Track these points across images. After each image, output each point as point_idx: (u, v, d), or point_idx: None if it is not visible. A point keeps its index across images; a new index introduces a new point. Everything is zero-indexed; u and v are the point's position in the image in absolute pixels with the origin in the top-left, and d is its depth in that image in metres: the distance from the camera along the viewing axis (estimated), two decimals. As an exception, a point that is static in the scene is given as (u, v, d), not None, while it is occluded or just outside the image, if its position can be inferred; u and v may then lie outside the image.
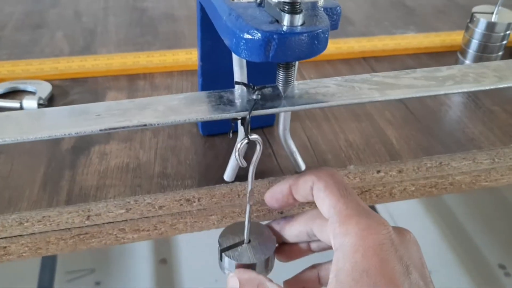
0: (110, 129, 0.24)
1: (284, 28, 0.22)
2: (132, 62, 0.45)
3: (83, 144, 0.36)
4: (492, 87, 0.27)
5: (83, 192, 0.32)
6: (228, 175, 0.33)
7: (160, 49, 0.48)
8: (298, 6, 0.22)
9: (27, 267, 1.16)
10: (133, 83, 0.43)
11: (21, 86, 0.41)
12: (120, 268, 1.23)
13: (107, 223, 0.33)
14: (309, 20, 0.23)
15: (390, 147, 0.36)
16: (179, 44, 0.49)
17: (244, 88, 0.27)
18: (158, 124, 0.24)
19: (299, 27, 0.23)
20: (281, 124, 0.32)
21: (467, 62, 0.46)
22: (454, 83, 0.27)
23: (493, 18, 0.43)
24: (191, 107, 0.26)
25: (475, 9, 0.45)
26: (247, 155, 0.29)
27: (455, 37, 0.49)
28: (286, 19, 0.23)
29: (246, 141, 0.27)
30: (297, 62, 0.26)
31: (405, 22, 0.54)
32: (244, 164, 0.28)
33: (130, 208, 0.32)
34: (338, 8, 0.26)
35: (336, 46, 0.48)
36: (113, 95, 0.41)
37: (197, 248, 1.30)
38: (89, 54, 0.46)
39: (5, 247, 0.32)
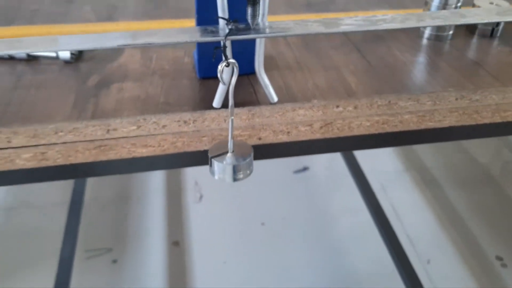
0: (124, 45, 0.33)
1: (249, -29, 0.32)
2: (146, 27, 0.54)
3: (104, 82, 0.45)
4: (411, 26, 0.35)
5: (104, 112, 0.41)
6: (216, 101, 0.42)
7: (170, 19, 0.57)
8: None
9: (49, 242, 1.27)
10: (146, 43, 0.53)
11: (57, 42, 0.51)
12: (135, 249, 1.33)
13: (122, 137, 0.42)
14: (269, -32, 0.33)
15: (349, 89, 0.45)
16: (186, 16, 0.59)
17: (225, 26, 0.36)
18: (159, 44, 0.34)
19: (260, -29, 0.32)
20: (256, 61, 0.41)
21: (427, 32, 0.54)
22: (384, 23, 0.36)
23: (446, -7, 0.52)
24: (183, 34, 0.35)
25: (431, -14, 0.53)
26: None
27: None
28: (251, -35, 0.32)
29: (225, 63, 0.36)
30: (261, 0, 0.35)
31: (381, 1, 0.63)
32: (226, 83, 0.37)
33: (140, 126, 0.41)
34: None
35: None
36: (129, 51, 0.51)
37: (207, 232, 1.39)
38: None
39: (43, 152, 0.41)
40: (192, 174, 1.63)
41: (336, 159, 1.72)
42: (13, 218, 1.44)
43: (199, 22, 0.43)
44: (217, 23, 0.37)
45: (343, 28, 0.35)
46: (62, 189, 1.53)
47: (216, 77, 0.46)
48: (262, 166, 1.69)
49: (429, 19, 0.36)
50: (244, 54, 0.44)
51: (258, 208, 1.53)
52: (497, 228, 1.45)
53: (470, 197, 1.57)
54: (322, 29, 0.35)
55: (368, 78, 0.47)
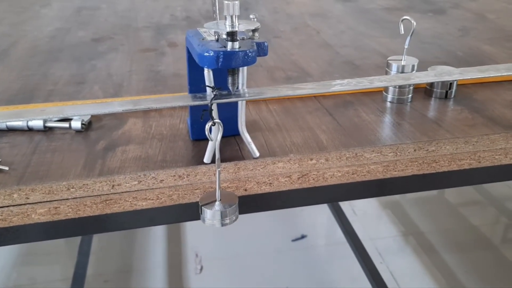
0: (127, 110, 0.41)
1: (228, 49, 0.40)
2: (147, 101, 0.63)
3: (110, 146, 0.53)
4: (363, 88, 0.43)
5: (110, 170, 0.48)
6: (206, 157, 0.49)
7: (168, 93, 0.66)
8: (235, 37, 0.40)
9: None
10: (147, 113, 0.61)
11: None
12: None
13: (125, 192, 0.48)
14: (244, 46, 0.41)
15: (321, 145, 0.52)
16: (182, 91, 0.67)
17: (211, 92, 0.44)
18: (156, 108, 0.41)
19: (236, 49, 0.40)
20: (239, 121, 0.48)
21: (390, 96, 0.62)
22: (341, 86, 0.44)
23: (402, 62, 0.61)
24: (177, 100, 0.43)
25: (389, 58, 0.62)
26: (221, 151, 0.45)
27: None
28: (229, 45, 0.40)
29: (211, 122, 0.43)
30: (240, 70, 0.43)
31: (351, 74, 0.72)
32: (212, 139, 0.44)
33: (141, 181, 0.48)
34: (265, 43, 0.44)
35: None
36: (132, 120, 0.59)
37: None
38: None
39: (56, 207, 0.48)
40: (192, 245, 1.66)
41: (332, 225, 1.76)
42: (15, 294, 1.45)
43: (191, 92, 0.51)
44: (205, 91, 0.45)
45: (305, 91, 0.43)
46: (64, 265, 1.55)
47: (206, 139, 0.53)
48: (260, 235, 1.72)
49: (377, 82, 0.44)
50: (230, 119, 0.52)
51: (258, 277, 1.54)
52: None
53: (467, 261, 1.59)
54: (289, 92, 0.43)
55: (337, 135, 0.54)
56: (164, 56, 0.83)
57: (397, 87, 0.61)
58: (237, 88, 0.44)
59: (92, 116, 0.59)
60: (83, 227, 0.52)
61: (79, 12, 1.15)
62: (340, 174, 0.52)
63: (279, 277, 1.55)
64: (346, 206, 1.87)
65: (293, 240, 1.72)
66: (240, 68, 0.44)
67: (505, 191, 1.96)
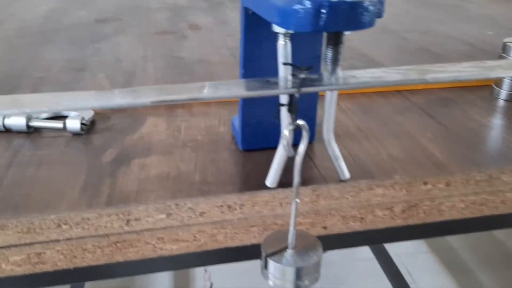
0: (160, 102, 0.24)
1: None
2: (170, 94, 0.46)
3: (123, 158, 0.36)
4: None
5: (124, 195, 0.31)
6: (270, 179, 0.32)
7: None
8: (347, -21, 0.23)
9: None
10: (172, 111, 0.44)
11: (65, 112, 0.42)
12: None
13: (146, 230, 0.31)
14: (358, -3, 0.24)
15: (435, 160, 0.35)
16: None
17: (288, 76, 0.27)
18: (208, 99, 0.24)
19: None
20: (325, 126, 0.31)
21: (503, 91, 0.46)
22: (501, 69, 0.27)
23: (527, 47, 0.44)
24: (239, 88, 0.26)
25: (506, 39, 0.46)
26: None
27: None
28: (336, -8, 0.23)
29: (292, 126, 0.26)
30: (344, 41, 0.26)
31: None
32: (293, 153, 0.27)
33: (171, 213, 0.31)
34: (382, -3, 0.27)
35: (369, 81, 0.48)
36: (152, 120, 0.42)
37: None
38: (129, 90, 0.48)
39: (39, 253, 0.31)
40: (202, 260, 1.49)
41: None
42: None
43: (246, 76, 0.34)
44: (275, 75, 0.28)
45: (445, 76, 0.26)
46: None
47: (263, 148, 0.37)
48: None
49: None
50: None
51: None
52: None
53: (500, 279, 1.42)
54: (414, 77, 0.26)
55: (453, 146, 0.37)
56: (185, 39, 0.66)
57: (513, 80, 0.44)
58: (336, 70, 0.27)
59: (96, 113, 0.42)
60: (82, 275, 0.35)
61: (80, -9, 0.98)
62: (463, 206, 0.35)
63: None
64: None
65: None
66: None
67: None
